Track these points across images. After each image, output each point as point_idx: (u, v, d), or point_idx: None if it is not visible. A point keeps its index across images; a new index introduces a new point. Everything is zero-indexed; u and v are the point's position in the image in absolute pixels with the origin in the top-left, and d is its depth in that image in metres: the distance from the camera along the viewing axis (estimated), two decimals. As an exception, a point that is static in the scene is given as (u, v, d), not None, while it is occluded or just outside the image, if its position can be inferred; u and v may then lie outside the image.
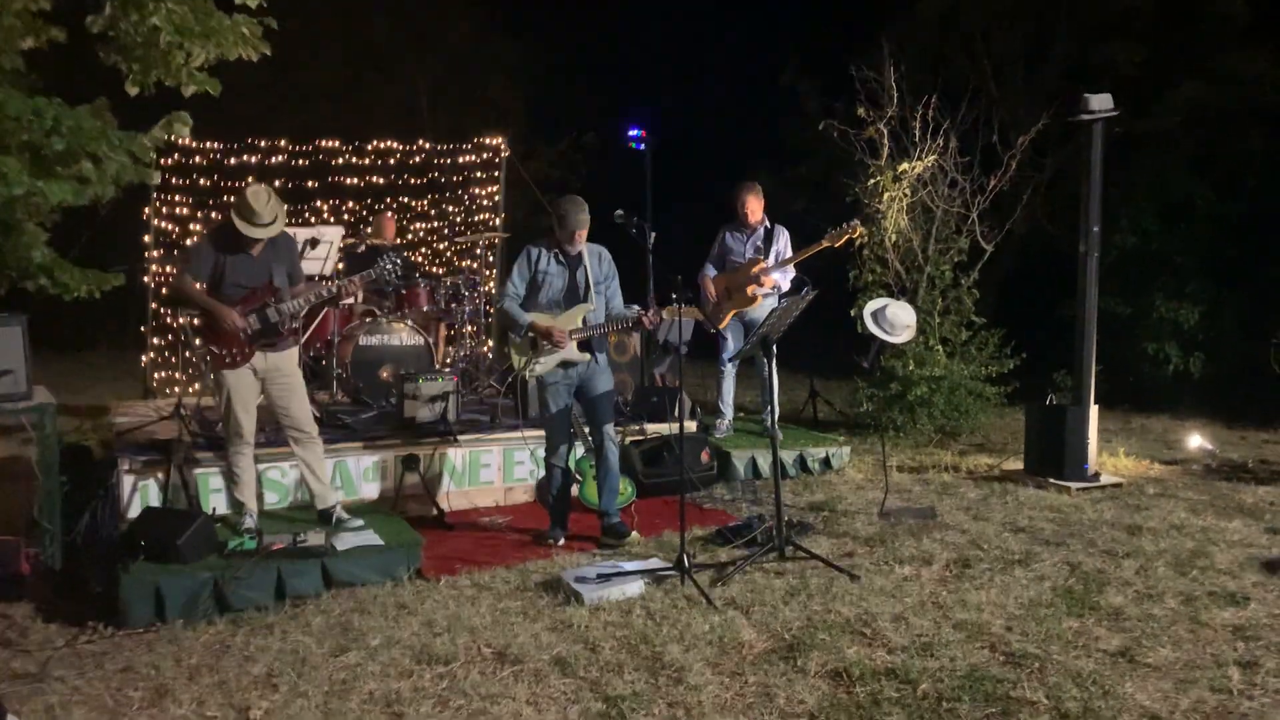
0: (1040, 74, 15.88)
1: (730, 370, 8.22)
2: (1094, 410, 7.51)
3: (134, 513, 5.67)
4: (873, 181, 9.38)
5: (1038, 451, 7.60)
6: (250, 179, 10.99)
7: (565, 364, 5.79)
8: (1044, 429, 7.56)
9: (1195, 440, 8.95)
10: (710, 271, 8.09)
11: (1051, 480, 7.30)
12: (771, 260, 7.80)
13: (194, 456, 6.01)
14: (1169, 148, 13.34)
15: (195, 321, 6.24)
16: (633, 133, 9.52)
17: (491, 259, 10.88)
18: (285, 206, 5.51)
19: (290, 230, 5.92)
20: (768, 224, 7.98)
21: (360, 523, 5.64)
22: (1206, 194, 12.66)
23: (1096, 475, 7.40)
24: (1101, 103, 7.32)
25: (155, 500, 5.82)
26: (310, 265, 7.39)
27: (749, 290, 7.77)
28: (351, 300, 8.33)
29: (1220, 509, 6.71)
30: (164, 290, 9.39)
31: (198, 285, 5.40)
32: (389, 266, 5.97)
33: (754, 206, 7.94)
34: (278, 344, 5.52)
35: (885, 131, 9.26)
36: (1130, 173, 13.18)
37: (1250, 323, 11.92)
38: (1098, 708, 3.70)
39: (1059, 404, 7.80)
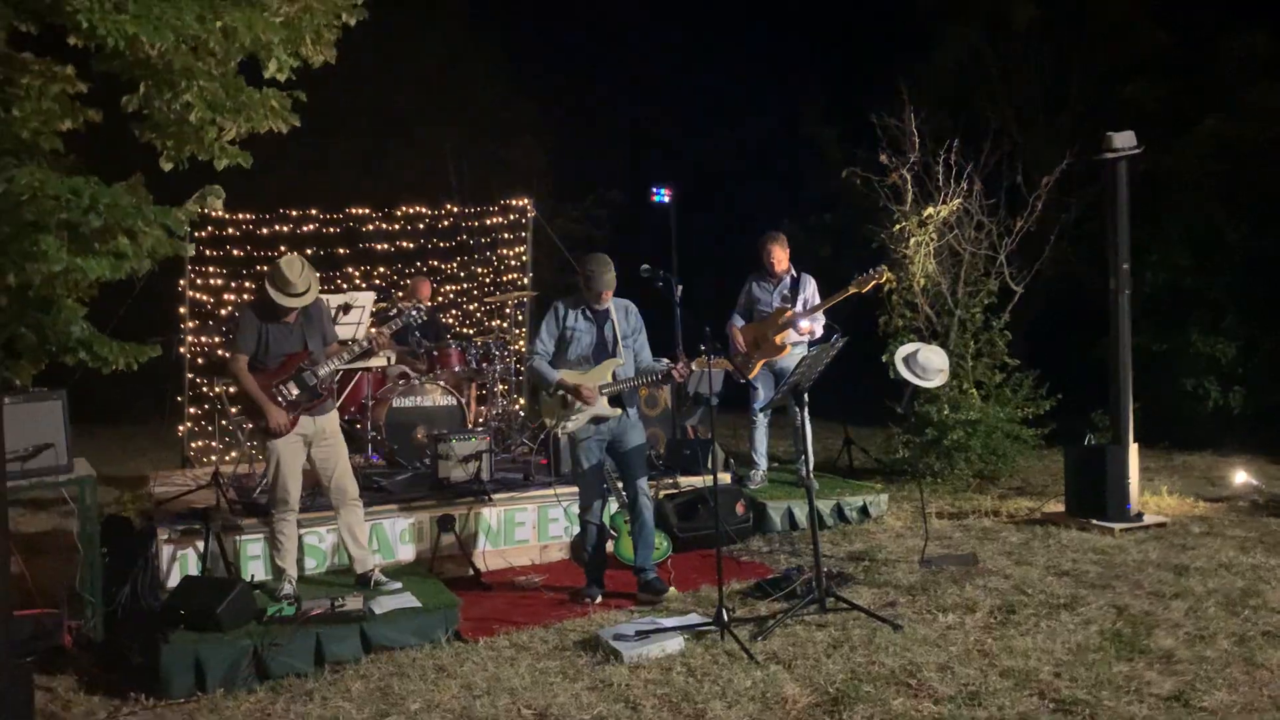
0: (1062, 114, 15.90)
1: (762, 420, 8.19)
2: (1134, 449, 7.40)
3: (173, 582, 5.71)
4: (898, 227, 9.38)
5: (1078, 493, 7.50)
6: (283, 248, 11.21)
7: (596, 420, 5.80)
8: (1084, 470, 7.46)
9: (1240, 476, 8.78)
10: (738, 322, 8.10)
11: (1094, 521, 7.18)
12: (799, 308, 7.80)
13: (232, 524, 6.05)
14: (1196, 183, 13.27)
15: (230, 390, 6.36)
16: (656, 188, 9.60)
17: (521, 318, 10.95)
18: (318, 274, 5.62)
19: (323, 296, 6.03)
20: (794, 273, 8.00)
21: (399, 585, 5.65)
22: (1238, 228, 12.56)
23: (1140, 515, 7.28)
24: (1125, 140, 7.31)
25: (194, 569, 5.85)
26: (344, 330, 7.46)
27: (778, 339, 7.77)
28: (385, 362, 8.39)
29: (1270, 545, 6.56)
30: (200, 361, 9.53)
31: (245, 359, 5.53)
32: (413, 313, 6.07)
33: (779, 256, 7.97)
34: (317, 407, 5.61)
35: (908, 177, 9.29)
36: (1158, 209, 13.10)
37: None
38: (1154, 755, 3.61)
39: (1098, 444, 7.70)
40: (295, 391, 5.52)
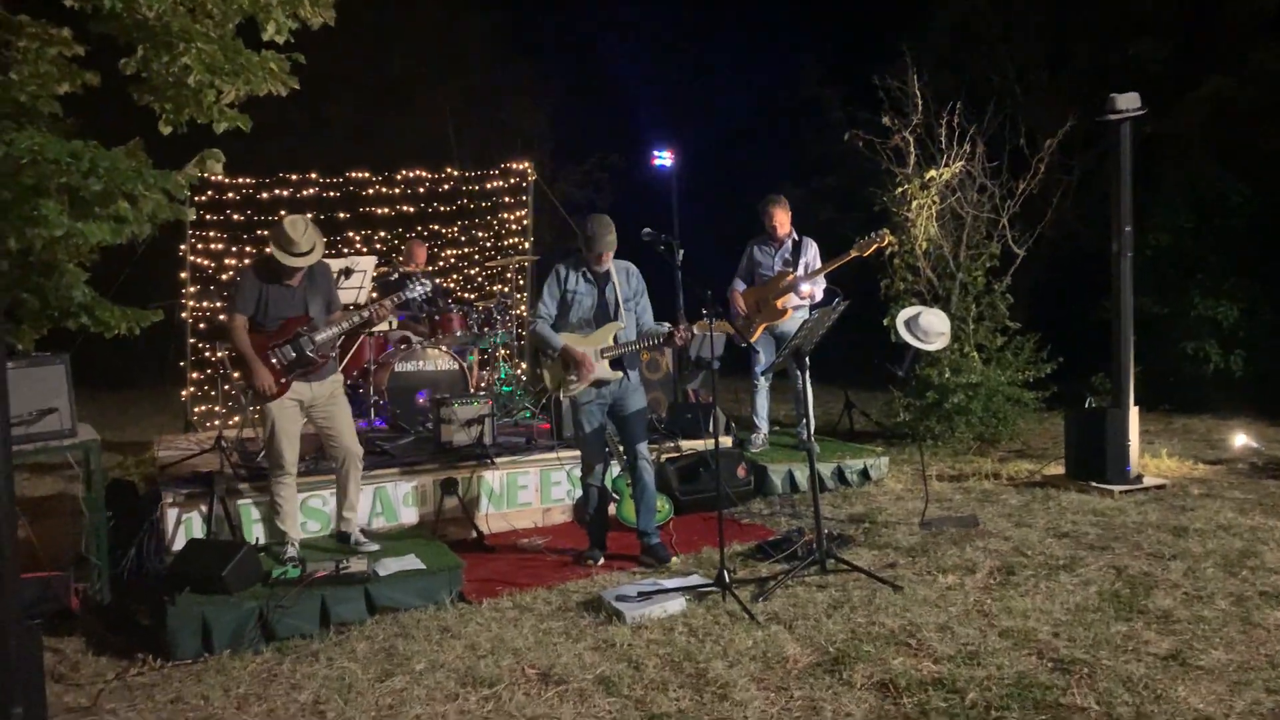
0: (1064, 76, 15.79)
1: (764, 384, 8.21)
2: (1134, 412, 7.42)
3: (179, 545, 5.74)
4: (900, 190, 9.35)
5: (1079, 456, 7.52)
6: (282, 212, 11.18)
7: (598, 383, 5.80)
8: (1084, 433, 7.49)
9: (1240, 439, 8.82)
10: (740, 286, 8.09)
11: (1094, 484, 7.22)
12: (801, 272, 7.79)
13: (236, 488, 6.08)
14: (1199, 145, 13.20)
15: (232, 354, 6.37)
16: (657, 151, 9.57)
17: (522, 282, 10.94)
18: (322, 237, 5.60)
19: (327, 260, 6.02)
20: (795, 236, 7.98)
21: (377, 546, 5.67)
22: (1240, 190, 12.50)
23: (1139, 477, 7.31)
24: (1128, 102, 7.27)
25: (199, 532, 5.89)
26: (345, 295, 7.48)
27: (779, 303, 7.77)
28: (386, 326, 8.40)
29: (1268, 507, 6.60)
30: (202, 325, 9.54)
31: (244, 320, 5.52)
32: (418, 288, 6.05)
33: (781, 219, 7.95)
34: (312, 373, 5.60)
35: (911, 139, 9.24)
36: (1161, 171, 13.05)
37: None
38: (1150, 712, 3.65)
39: (1098, 407, 7.72)
40: (291, 355, 5.51)
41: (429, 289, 6.14)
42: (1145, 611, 4.71)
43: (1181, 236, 12.57)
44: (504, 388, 8.85)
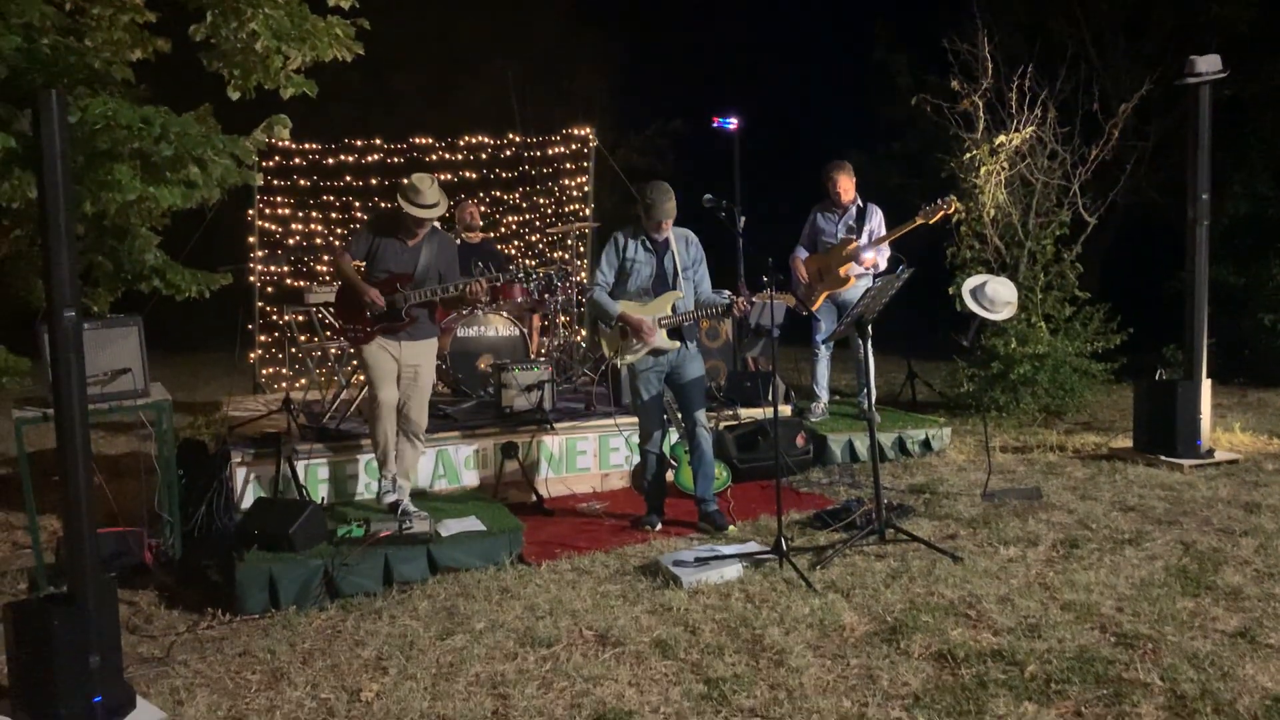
0: (1144, 38, 15.30)
1: (824, 353, 8.15)
2: (1207, 385, 7.23)
3: (247, 504, 5.88)
4: (969, 156, 9.16)
5: (1148, 429, 7.36)
6: (348, 178, 11.31)
7: (656, 351, 5.80)
8: (1154, 405, 7.32)
9: (1318, 414, 8.55)
10: (802, 254, 8.01)
11: (1163, 458, 7.06)
12: (865, 239, 7.69)
13: (302, 449, 6.20)
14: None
15: (320, 313, 6.53)
16: (720, 117, 9.48)
17: (583, 249, 10.96)
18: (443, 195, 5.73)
19: (449, 235, 6.12)
20: (860, 203, 7.87)
21: (425, 515, 5.73)
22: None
23: (1210, 452, 7.14)
24: (1209, 64, 7.03)
25: (267, 491, 6.02)
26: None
27: (842, 271, 7.68)
28: (466, 306, 8.46)
29: (1346, 484, 6.41)
30: (269, 289, 9.72)
31: (350, 258, 5.72)
32: (520, 273, 6.22)
33: (845, 185, 7.84)
34: (400, 331, 5.70)
35: (980, 104, 9.04)
36: (1243, 137, 12.62)
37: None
38: (1216, 690, 3.58)
39: (1169, 379, 7.54)
40: (381, 308, 5.64)
41: (532, 277, 6.24)
42: (1213, 588, 4.61)
43: (1263, 204, 12.18)
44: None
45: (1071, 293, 9.18)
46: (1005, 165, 8.95)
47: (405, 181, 5.63)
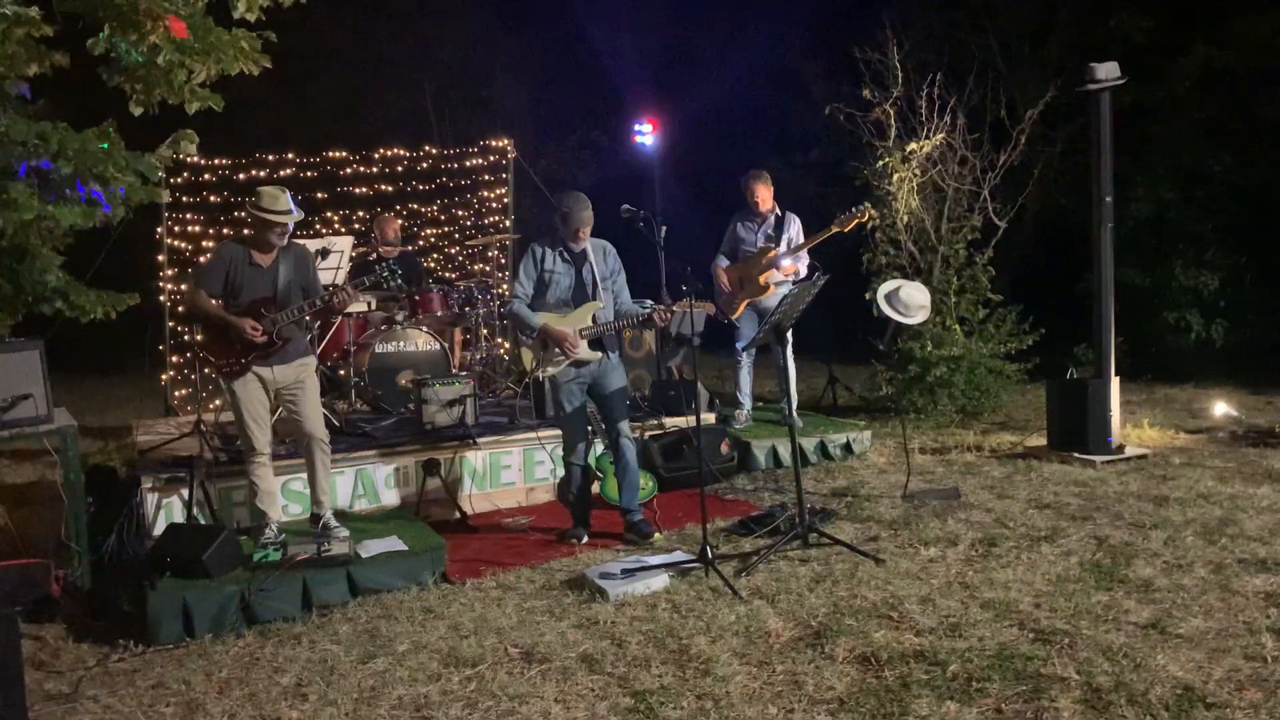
0: (1047, 47, 15.74)
1: (747, 360, 8.21)
2: (1116, 382, 7.44)
3: (159, 530, 5.71)
4: (881, 163, 9.32)
5: (1060, 427, 7.55)
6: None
7: (578, 363, 5.78)
8: (1066, 404, 7.51)
9: (1220, 408, 8.86)
10: (723, 262, 8.06)
11: (1076, 455, 7.24)
12: (783, 248, 7.77)
13: (216, 471, 6.05)
14: (1183, 115, 13.19)
15: (199, 335, 6.30)
16: (638, 127, 9.52)
17: (504, 261, 10.89)
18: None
19: (306, 244, 5.96)
20: (778, 212, 7.94)
21: (346, 533, 5.63)
22: (1223, 160, 12.51)
23: (1121, 448, 7.34)
24: (1108, 72, 7.24)
25: (179, 517, 5.86)
26: (322, 276, 7.41)
27: (761, 279, 7.74)
28: (365, 308, 8.34)
29: (1248, 476, 6.64)
30: (180, 308, 9.47)
31: (204, 293, 5.47)
32: (385, 273, 5.97)
33: (763, 195, 7.91)
34: (273, 355, 5.51)
35: (891, 112, 9.21)
36: (1145, 142, 13.04)
37: (1271, 288, 11.79)
38: (1130, 681, 3.66)
39: (1080, 378, 7.74)
40: (259, 336, 5.46)
41: (396, 273, 6.02)
42: (1126, 581, 4.73)
43: (1164, 207, 12.60)
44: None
45: (984, 295, 9.40)
46: (917, 172, 9.13)
47: (258, 193, 5.46)
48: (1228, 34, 12.84)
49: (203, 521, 5.77)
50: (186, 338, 9.21)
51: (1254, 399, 9.84)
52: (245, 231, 5.60)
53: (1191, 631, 4.09)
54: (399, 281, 6.08)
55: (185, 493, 5.84)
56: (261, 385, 5.51)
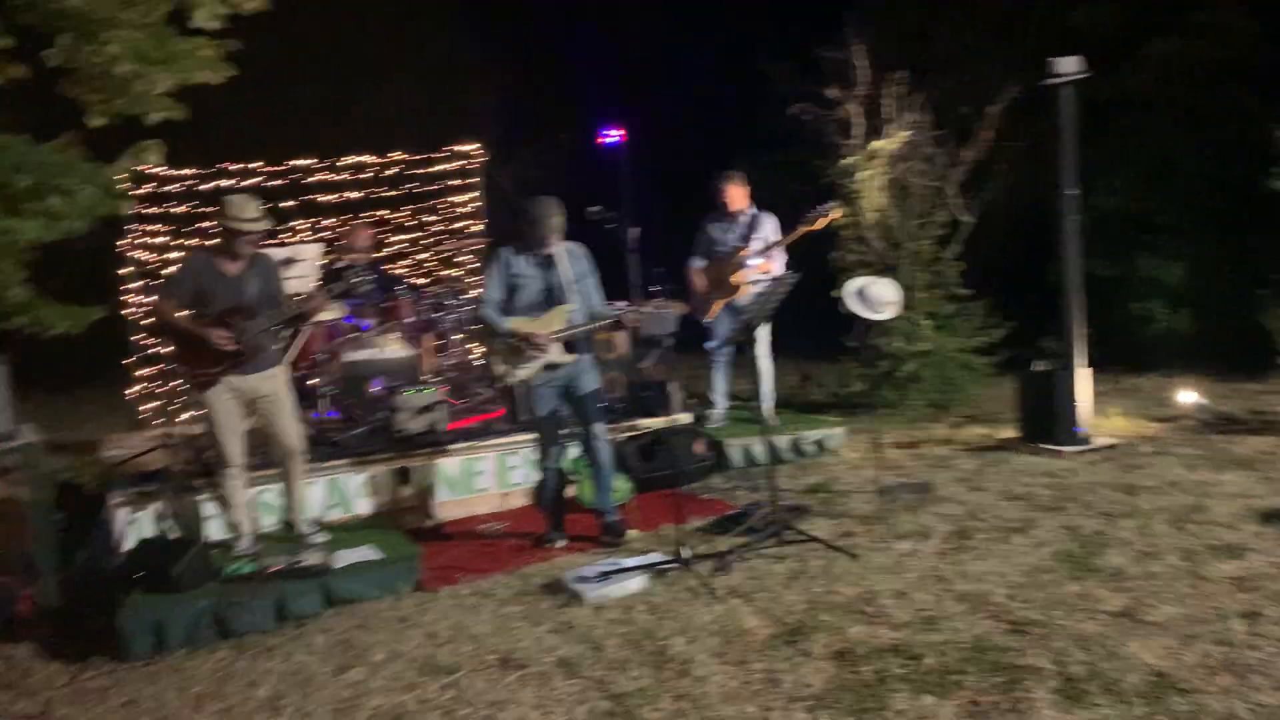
0: (1011, 41, 15.84)
1: (721, 360, 8.21)
2: (1084, 373, 7.51)
3: (130, 545, 5.64)
4: (847, 161, 9.36)
5: (1030, 418, 7.61)
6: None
7: (550, 366, 5.76)
8: (1035, 395, 7.57)
9: (1187, 396, 8.95)
10: (697, 263, 8.07)
11: (1046, 446, 7.30)
12: (755, 247, 7.77)
13: (187, 484, 5.99)
14: (1146, 106, 13.33)
15: (170, 348, 6.26)
16: (606, 130, 9.51)
17: (475, 266, 10.85)
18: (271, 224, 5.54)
19: (271, 253, 5.92)
20: (752, 211, 7.95)
21: (325, 537, 5.60)
22: (1186, 151, 12.65)
23: (1090, 438, 7.40)
24: (1070, 65, 7.31)
25: (150, 531, 5.79)
26: (290, 285, 7.35)
27: (734, 279, 7.75)
28: (333, 316, 8.28)
29: (1215, 463, 6.72)
30: (147, 320, 9.38)
31: (172, 305, 5.41)
32: (354, 280, 5.93)
33: (735, 195, 7.91)
34: (246, 365, 5.47)
35: (856, 110, 9.25)
36: (1109, 134, 13.15)
37: (1234, 276, 11.92)
38: (1104, 669, 3.70)
39: (1048, 369, 7.80)
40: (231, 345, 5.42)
41: (366, 279, 5.99)
42: (1098, 570, 4.77)
43: (1128, 199, 12.72)
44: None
45: (952, 290, 9.46)
46: (883, 169, 9.17)
47: (225, 202, 5.43)
48: (1190, 25, 12.98)
49: (174, 535, 5.71)
50: (154, 351, 9.11)
51: (1220, 387, 9.96)
52: (214, 240, 5.55)
53: (1163, 618, 4.14)
54: (370, 288, 6.05)
55: (156, 507, 5.78)
56: (234, 396, 5.47)
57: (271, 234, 5.98)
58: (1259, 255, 11.33)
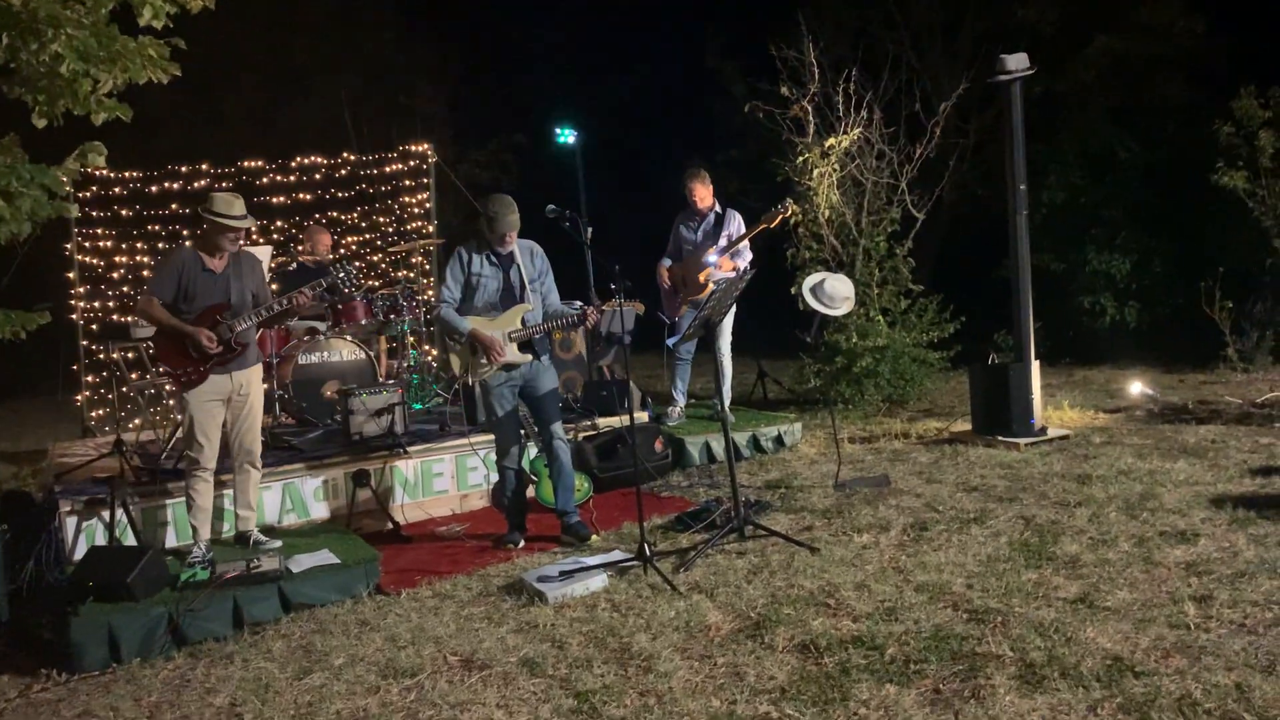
0: (958, 38, 16.05)
1: (685, 357, 8.22)
2: (1036, 366, 7.62)
3: (80, 554, 5.53)
4: (802, 159, 9.42)
5: (984, 411, 7.70)
6: (174, 206, 10.81)
7: (507, 366, 5.73)
8: (988, 389, 7.66)
9: (1136, 387, 9.13)
10: (666, 263, 8.07)
11: (1000, 438, 7.40)
12: (721, 243, 7.78)
13: (138, 491, 5.87)
14: (1090, 102, 13.56)
15: (150, 347, 6.15)
16: (560, 129, 9.48)
17: (428, 267, 10.77)
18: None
19: (255, 251, 5.89)
20: (719, 209, 7.96)
21: (278, 544, 5.54)
22: (1129, 145, 12.89)
23: (1043, 429, 7.51)
24: (1018, 62, 7.41)
25: (101, 539, 5.67)
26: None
27: (700, 277, 7.76)
28: (294, 319, 8.18)
29: (1165, 451, 6.84)
30: (94, 326, 9.20)
31: (158, 301, 5.40)
32: (342, 275, 5.90)
33: (701, 193, 7.92)
34: (232, 361, 5.47)
35: (809, 108, 9.30)
36: (1055, 130, 13.38)
37: (1179, 268, 12.18)
38: (1061, 655, 3.75)
39: (1001, 363, 7.91)
40: (216, 346, 5.38)
41: (351, 275, 5.97)
42: (1053, 558, 4.84)
43: (1075, 193, 12.93)
44: (413, 376, 8.70)
45: (906, 286, 9.55)
46: (836, 167, 9.24)
47: (211, 199, 5.45)
48: (1129, 22, 13.24)
49: (126, 543, 5.60)
50: (101, 356, 8.94)
51: (1167, 377, 10.16)
52: (198, 234, 5.59)
53: (1118, 604, 4.21)
54: (353, 285, 6.03)
55: (107, 514, 5.66)
56: (217, 395, 5.46)
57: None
58: (1205, 248, 11.57)
